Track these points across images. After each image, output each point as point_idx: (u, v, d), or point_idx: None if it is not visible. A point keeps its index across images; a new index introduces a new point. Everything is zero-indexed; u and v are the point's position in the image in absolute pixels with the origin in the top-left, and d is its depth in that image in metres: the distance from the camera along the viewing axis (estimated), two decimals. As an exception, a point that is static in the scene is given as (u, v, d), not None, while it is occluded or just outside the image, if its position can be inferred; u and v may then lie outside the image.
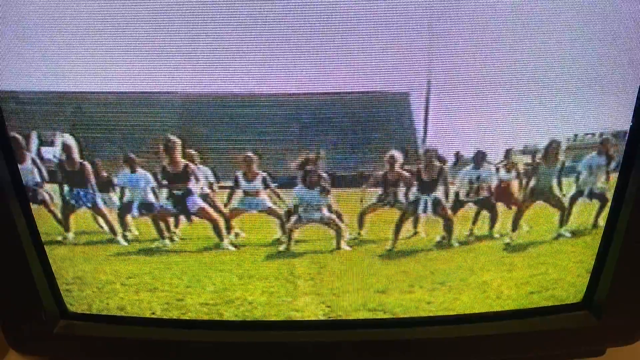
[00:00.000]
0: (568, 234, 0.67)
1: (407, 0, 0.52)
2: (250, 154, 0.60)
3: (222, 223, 0.66)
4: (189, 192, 0.64)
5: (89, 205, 0.65)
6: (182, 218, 0.66)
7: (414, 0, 0.52)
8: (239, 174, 0.62)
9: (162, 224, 0.66)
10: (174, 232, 0.66)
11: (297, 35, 0.53)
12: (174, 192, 0.64)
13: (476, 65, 0.55)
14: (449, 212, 0.65)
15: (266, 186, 0.63)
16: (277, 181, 0.63)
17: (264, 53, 0.54)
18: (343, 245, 0.66)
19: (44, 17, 0.53)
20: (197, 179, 0.63)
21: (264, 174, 0.62)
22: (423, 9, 0.52)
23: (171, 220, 0.66)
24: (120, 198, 0.65)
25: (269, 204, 0.65)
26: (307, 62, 0.55)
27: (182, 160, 0.61)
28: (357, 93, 0.57)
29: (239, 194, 0.64)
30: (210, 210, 0.65)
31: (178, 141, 0.60)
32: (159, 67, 0.55)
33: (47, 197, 0.64)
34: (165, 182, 0.64)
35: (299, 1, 0.52)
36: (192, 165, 0.62)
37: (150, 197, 0.65)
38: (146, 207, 0.65)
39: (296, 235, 0.66)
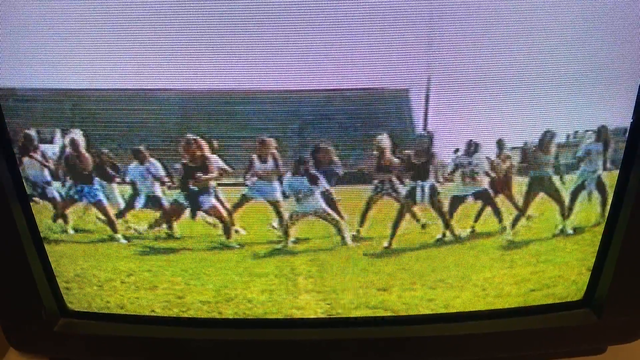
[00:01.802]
0: (569, 231, 0.67)
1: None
2: (265, 138, 0.60)
3: (228, 219, 0.66)
4: (202, 189, 0.64)
5: (91, 200, 0.65)
6: (185, 215, 0.66)
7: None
8: (254, 156, 0.62)
9: (164, 221, 0.66)
10: (175, 230, 0.66)
11: (298, 33, 0.53)
12: (186, 189, 0.64)
13: (476, 61, 0.55)
14: (449, 205, 0.65)
15: (277, 166, 0.62)
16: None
17: (264, 50, 0.54)
18: (344, 241, 0.65)
19: (44, 14, 0.53)
20: (201, 178, 0.63)
21: (275, 152, 0.61)
22: (423, 5, 0.52)
23: (173, 217, 0.66)
24: (123, 193, 0.65)
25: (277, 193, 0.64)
26: (307, 58, 0.55)
27: (197, 156, 0.62)
28: (357, 89, 0.57)
29: (250, 180, 0.64)
30: (220, 207, 0.65)
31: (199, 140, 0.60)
32: (160, 64, 0.55)
33: (46, 194, 0.64)
34: (173, 178, 0.64)
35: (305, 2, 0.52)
36: (207, 160, 0.62)
37: (157, 192, 0.65)
38: (152, 202, 0.65)
39: (296, 232, 0.66)
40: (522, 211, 0.66)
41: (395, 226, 0.65)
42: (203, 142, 0.60)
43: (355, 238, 0.65)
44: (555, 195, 0.65)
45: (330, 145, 0.60)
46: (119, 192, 0.65)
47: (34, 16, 0.53)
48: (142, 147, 0.61)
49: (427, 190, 0.64)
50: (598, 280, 0.68)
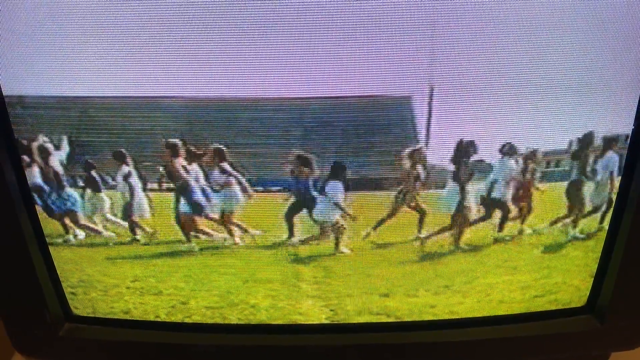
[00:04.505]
0: (572, 238, 0.67)
1: (412, 5, 0.52)
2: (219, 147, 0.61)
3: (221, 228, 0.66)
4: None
5: (85, 208, 0.66)
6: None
7: (418, 5, 0.52)
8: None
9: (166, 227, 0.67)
10: (182, 235, 0.67)
11: (301, 41, 0.54)
12: (181, 194, 0.65)
13: (478, 69, 0.56)
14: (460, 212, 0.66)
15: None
16: (278, 183, 0.64)
17: (268, 58, 0.55)
18: (343, 248, 0.66)
19: (50, 23, 0.53)
20: (204, 182, 0.64)
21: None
22: (427, 14, 0.53)
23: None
24: (125, 199, 0.66)
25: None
26: (311, 66, 0.55)
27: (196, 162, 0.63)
28: (360, 97, 0.58)
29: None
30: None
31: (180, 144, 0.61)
32: (164, 72, 0.56)
33: (52, 199, 0.65)
34: (170, 184, 0.64)
35: (303, 8, 0.52)
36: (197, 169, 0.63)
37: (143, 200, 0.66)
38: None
39: (300, 238, 0.66)
40: (524, 217, 0.66)
41: (419, 230, 0.65)
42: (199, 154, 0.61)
43: (358, 244, 0.66)
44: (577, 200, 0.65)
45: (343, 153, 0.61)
46: (116, 198, 0.66)
47: (42, 25, 0.54)
48: (146, 153, 0.61)
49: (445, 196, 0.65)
50: (601, 286, 0.68)
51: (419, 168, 0.62)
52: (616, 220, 0.65)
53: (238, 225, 0.66)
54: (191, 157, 0.62)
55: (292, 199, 0.64)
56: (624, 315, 0.68)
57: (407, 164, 0.61)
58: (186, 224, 0.66)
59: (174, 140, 0.60)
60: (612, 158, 0.62)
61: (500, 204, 0.66)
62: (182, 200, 0.65)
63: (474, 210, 0.66)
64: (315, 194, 0.64)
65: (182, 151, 0.61)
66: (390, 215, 0.64)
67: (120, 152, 0.61)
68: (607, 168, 0.63)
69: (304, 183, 0.63)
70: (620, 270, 0.65)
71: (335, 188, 0.62)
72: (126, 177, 0.63)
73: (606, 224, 0.66)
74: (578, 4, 0.53)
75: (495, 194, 0.65)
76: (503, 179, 0.64)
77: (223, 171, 0.63)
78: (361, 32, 0.53)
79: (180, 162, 0.62)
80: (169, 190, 0.65)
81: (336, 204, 0.64)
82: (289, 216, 0.65)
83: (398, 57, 0.55)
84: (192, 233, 0.66)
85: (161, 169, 0.63)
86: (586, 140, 0.61)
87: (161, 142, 0.60)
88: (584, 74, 0.56)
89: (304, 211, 0.65)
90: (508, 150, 0.61)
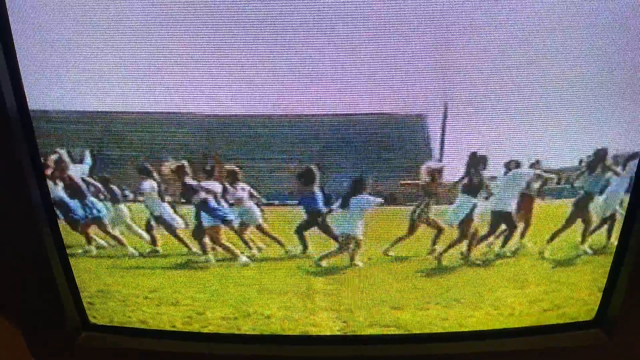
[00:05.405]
0: (581, 252, 0.68)
1: (429, 26, 0.54)
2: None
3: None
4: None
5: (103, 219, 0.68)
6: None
7: (435, 26, 0.54)
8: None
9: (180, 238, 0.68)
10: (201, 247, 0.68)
11: (319, 61, 0.55)
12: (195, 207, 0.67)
13: (493, 87, 0.57)
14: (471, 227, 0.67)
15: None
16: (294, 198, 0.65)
17: (287, 77, 0.56)
18: (357, 261, 0.67)
19: (75, 40, 0.55)
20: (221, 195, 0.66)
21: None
22: (443, 34, 0.54)
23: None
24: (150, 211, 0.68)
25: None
26: (329, 85, 0.57)
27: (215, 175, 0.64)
28: (375, 114, 0.59)
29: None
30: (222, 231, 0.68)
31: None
32: (183, 89, 0.57)
33: (73, 211, 0.66)
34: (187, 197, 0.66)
35: (322, 28, 0.54)
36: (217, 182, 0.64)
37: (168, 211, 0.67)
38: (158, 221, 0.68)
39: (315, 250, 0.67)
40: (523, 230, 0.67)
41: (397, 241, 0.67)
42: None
43: (371, 257, 0.67)
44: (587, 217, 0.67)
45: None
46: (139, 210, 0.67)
47: (67, 44, 0.56)
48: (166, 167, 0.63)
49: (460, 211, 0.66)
50: (610, 300, 0.68)
51: (435, 184, 0.63)
52: (626, 234, 0.65)
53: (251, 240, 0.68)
54: (209, 173, 0.64)
55: (304, 215, 0.66)
56: (632, 330, 0.68)
57: (423, 180, 0.62)
58: (211, 236, 0.68)
59: (191, 156, 0.62)
60: (617, 175, 0.63)
61: (511, 218, 0.67)
62: (204, 214, 0.67)
63: (486, 224, 0.67)
64: (336, 208, 0.65)
65: (200, 168, 0.63)
66: (410, 232, 0.65)
67: (145, 166, 0.63)
68: (619, 183, 0.64)
69: (313, 198, 0.65)
70: (629, 284, 0.65)
71: (360, 202, 0.64)
72: (151, 190, 0.65)
73: (615, 238, 0.66)
74: (592, 23, 0.54)
75: (507, 209, 0.66)
76: (514, 194, 0.65)
77: (239, 186, 0.64)
78: (375, 51, 0.55)
79: (198, 177, 0.64)
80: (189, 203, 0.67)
81: (359, 218, 0.65)
82: (300, 231, 0.67)
83: (413, 76, 0.56)
84: (211, 245, 0.68)
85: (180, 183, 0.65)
86: (599, 156, 0.62)
87: (180, 158, 0.62)
88: (599, 92, 0.57)
89: (318, 227, 0.67)
90: (515, 166, 0.62)
